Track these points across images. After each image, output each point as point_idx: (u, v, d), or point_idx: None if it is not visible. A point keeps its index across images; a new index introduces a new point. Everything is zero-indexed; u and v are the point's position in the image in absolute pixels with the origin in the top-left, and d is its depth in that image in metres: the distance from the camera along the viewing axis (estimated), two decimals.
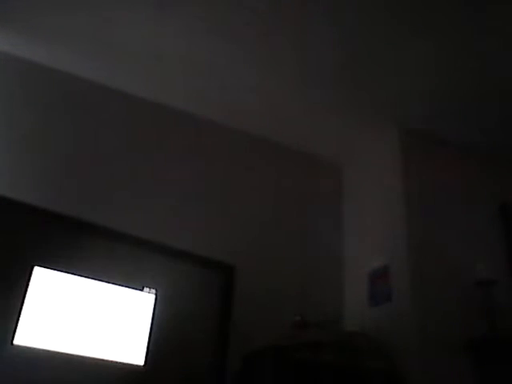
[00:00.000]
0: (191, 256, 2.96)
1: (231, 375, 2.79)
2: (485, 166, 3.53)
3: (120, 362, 2.58)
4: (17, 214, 2.70)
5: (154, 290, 2.79)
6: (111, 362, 2.56)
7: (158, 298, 2.79)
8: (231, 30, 2.85)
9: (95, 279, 2.69)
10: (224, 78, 3.21)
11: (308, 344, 2.63)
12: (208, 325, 2.86)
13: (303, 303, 3.13)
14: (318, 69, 3.06)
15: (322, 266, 3.43)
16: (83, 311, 2.60)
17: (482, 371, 2.74)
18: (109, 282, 2.71)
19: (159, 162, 3.28)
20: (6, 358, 2.37)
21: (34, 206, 2.72)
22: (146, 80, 3.29)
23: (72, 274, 2.64)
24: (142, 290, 2.76)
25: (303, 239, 3.47)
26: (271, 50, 2.96)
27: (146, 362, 2.64)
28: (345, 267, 3.49)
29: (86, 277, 2.67)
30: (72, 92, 3.24)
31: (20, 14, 2.86)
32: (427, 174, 3.32)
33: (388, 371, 2.69)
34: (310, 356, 2.59)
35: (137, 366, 2.61)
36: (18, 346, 2.40)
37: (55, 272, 2.61)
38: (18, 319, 2.44)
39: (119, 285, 2.73)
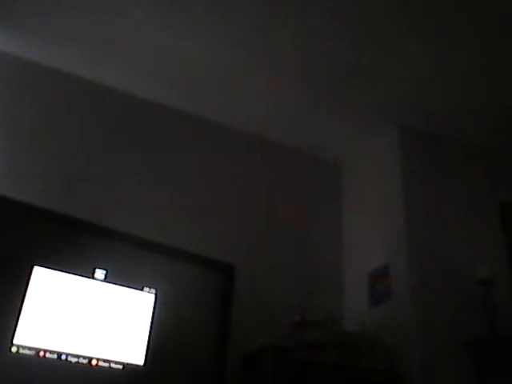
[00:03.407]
0: (191, 256, 2.96)
1: (231, 375, 2.79)
2: (485, 166, 3.53)
3: (120, 362, 2.58)
4: (17, 213, 2.70)
5: (153, 290, 2.79)
6: (111, 361, 2.57)
7: (158, 297, 2.79)
8: (232, 30, 2.85)
9: (95, 279, 2.69)
10: (224, 79, 3.21)
11: (308, 344, 2.63)
12: (208, 325, 2.86)
13: (303, 303, 3.13)
14: (318, 69, 3.07)
15: (322, 266, 3.42)
16: (83, 311, 2.60)
17: (482, 371, 2.74)
18: (109, 282, 2.71)
19: (160, 162, 3.28)
20: (6, 357, 2.37)
21: (34, 206, 2.72)
22: (148, 80, 3.29)
23: (72, 274, 2.64)
24: (141, 289, 2.76)
25: (303, 239, 3.47)
26: (271, 50, 2.96)
27: (145, 361, 2.64)
28: (345, 267, 3.50)
29: (85, 277, 2.67)
30: (73, 92, 3.24)
31: (20, 13, 2.86)
32: (427, 173, 3.33)
33: (388, 371, 2.69)
34: (310, 356, 2.59)
35: (137, 365, 2.62)
36: (18, 346, 2.41)
37: (55, 272, 2.61)
38: (17, 319, 2.44)
39: (119, 285, 2.73)
